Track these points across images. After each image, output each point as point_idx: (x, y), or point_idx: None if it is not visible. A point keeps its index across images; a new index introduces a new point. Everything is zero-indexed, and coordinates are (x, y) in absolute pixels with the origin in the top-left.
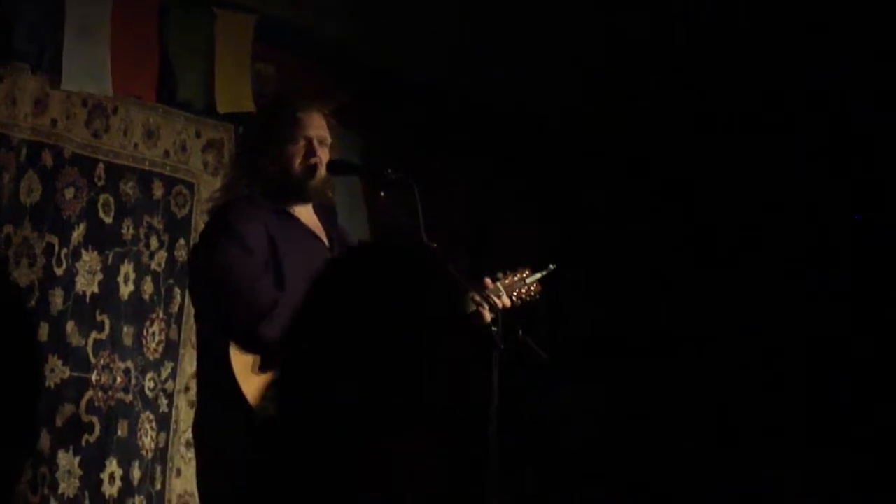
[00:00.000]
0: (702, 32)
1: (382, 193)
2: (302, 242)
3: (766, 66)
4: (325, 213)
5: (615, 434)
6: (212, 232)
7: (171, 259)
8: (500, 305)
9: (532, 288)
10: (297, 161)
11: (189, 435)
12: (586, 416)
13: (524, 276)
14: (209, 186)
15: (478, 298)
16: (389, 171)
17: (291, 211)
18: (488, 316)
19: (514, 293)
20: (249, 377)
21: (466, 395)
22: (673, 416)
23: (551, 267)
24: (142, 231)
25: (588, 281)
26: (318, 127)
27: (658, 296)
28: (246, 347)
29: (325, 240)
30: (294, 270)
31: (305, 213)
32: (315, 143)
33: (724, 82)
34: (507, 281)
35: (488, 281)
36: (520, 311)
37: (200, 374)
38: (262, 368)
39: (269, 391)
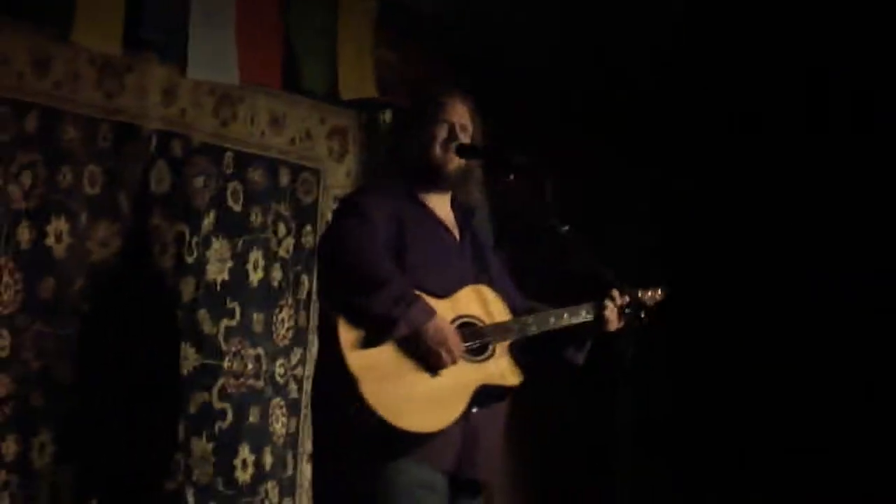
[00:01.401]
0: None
1: (511, 178)
2: (432, 231)
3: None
4: (462, 210)
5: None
6: (338, 212)
7: (298, 246)
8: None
9: (646, 315)
10: (437, 144)
11: None
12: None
13: (652, 292)
14: (334, 173)
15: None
16: (518, 155)
17: (426, 201)
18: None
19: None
20: (355, 351)
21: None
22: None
23: (663, 292)
24: (269, 218)
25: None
26: (460, 114)
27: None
28: (353, 320)
29: (456, 233)
30: (417, 256)
31: (441, 205)
32: (457, 128)
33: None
34: (639, 294)
35: (615, 293)
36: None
37: (318, 352)
38: (366, 345)
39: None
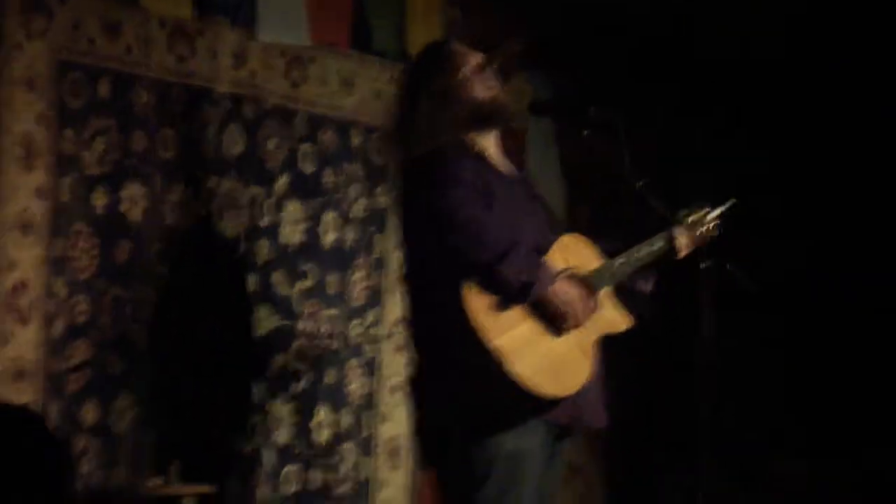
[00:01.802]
0: None
1: (585, 133)
2: (507, 187)
3: None
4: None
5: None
6: (432, 178)
7: (371, 206)
8: (695, 242)
9: (712, 226)
10: (478, 88)
11: (395, 381)
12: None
13: (705, 213)
14: None
15: (680, 237)
16: (593, 109)
17: (485, 154)
18: (684, 253)
19: (698, 232)
20: (488, 316)
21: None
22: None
23: (731, 202)
24: (341, 179)
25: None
26: (480, 61)
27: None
28: (489, 287)
29: (519, 183)
30: (505, 214)
31: (496, 155)
32: (486, 70)
33: None
34: (691, 218)
35: (683, 218)
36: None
37: (422, 320)
38: (497, 310)
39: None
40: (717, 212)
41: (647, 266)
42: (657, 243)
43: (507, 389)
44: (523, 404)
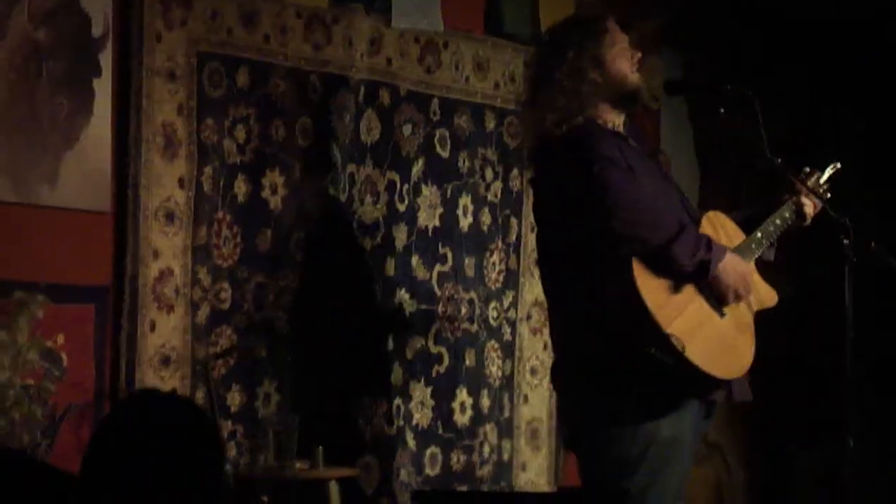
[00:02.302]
0: None
1: (722, 111)
2: (647, 165)
3: None
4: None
5: None
6: (581, 157)
7: (506, 189)
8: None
9: (824, 189)
10: (624, 65)
11: (533, 362)
12: None
13: (817, 177)
14: None
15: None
16: (729, 87)
17: (618, 131)
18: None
19: (817, 196)
20: (661, 298)
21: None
22: None
23: (836, 165)
24: (477, 163)
25: None
26: (629, 39)
27: None
28: (659, 268)
29: (654, 162)
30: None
31: (625, 131)
32: (632, 49)
33: None
34: (809, 183)
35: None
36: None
37: (573, 303)
38: (673, 289)
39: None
40: (826, 174)
41: (778, 238)
42: (786, 213)
43: (681, 374)
44: (691, 388)
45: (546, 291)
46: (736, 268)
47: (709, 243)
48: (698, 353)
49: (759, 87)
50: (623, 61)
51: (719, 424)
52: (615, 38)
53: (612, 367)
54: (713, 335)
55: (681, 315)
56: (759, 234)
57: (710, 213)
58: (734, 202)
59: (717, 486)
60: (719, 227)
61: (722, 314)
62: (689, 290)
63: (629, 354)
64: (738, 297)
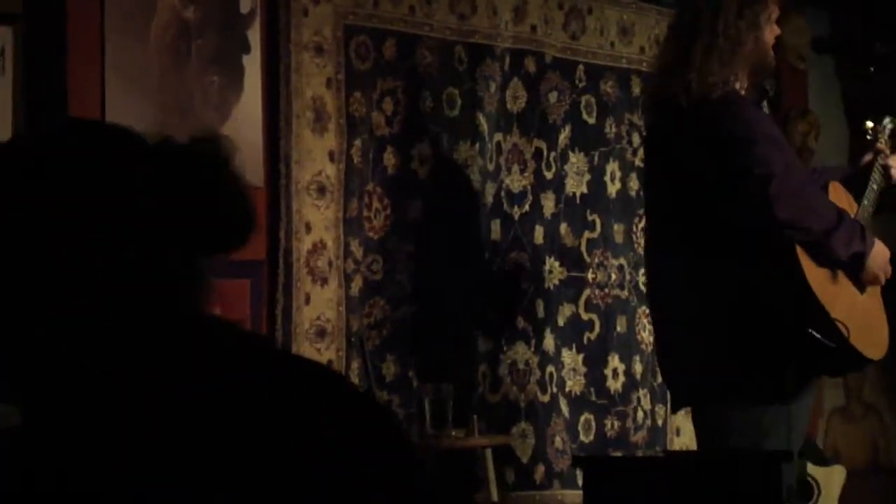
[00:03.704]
0: None
1: (871, 70)
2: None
3: None
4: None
5: None
6: (741, 133)
7: None
8: None
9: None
10: (770, 40)
11: None
12: None
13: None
14: None
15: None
16: (878, 44)
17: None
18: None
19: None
20: (823, 284)
21: None
22: None
23: (890, 118)
24: (623, 129)
25: None
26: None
27: None
28: (816, 255)
29: None
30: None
31: None
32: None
33: None
34: (881, 142)
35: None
36: None
37: (722, 282)
38: (831, 274)
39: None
40: (888, 127)
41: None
42: (876, 177)
43: (839, 356)
44: (843, 367)
45: (663, 264)
46: (881, 254)
47: (862, 232)
48: (857, 338)
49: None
50: (772, 35)
51: (874, 384)
52: (772, 8)
53: (767, 347)
54: (861, 316)
55: (838, 299)
56: (866, 203)
57: (832, 184)
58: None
59: (874, 446)
60: (841, 197)
61: (863, 291)
62: (840, 274)
63: (788, 335)
64: (879, 282)
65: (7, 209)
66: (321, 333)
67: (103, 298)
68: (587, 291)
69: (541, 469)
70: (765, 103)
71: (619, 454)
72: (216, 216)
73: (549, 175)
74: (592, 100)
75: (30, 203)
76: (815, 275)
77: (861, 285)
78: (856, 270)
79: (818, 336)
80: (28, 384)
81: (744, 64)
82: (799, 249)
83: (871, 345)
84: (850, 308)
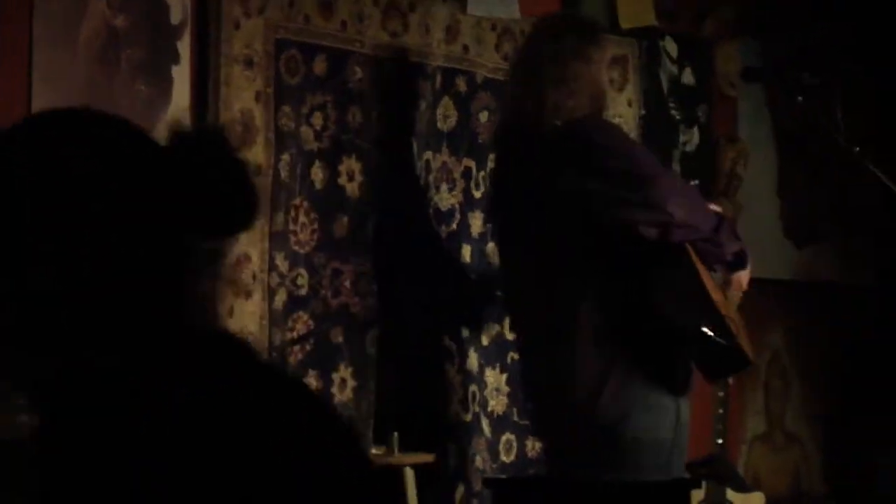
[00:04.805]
0: None
1: (799, 99)
2: None
3: None
4: None
5: None
6: (621, 147)
7: None
8: None
9: None
10: (606, 80)
11: None
12: None
13: None
14: (614, 103)
15: None
16: (806, 75)
17: None
18: None
19: None
20: (711, 283)
21: None
22: None
23: None
24: None
25: None
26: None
27: None
28: (706, 255)
29: None
30: None
31: None
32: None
33: None
34: None
35: None
36: None
37: (620, 293)
38: (711, 274)
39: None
40: None
41: None
42: None
43: (725, 356)
44: (726, 368)
45: (554, 290)
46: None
47: (736, 231)
48: (741, 338)
49: (838, 75)
50: (607, 75)
51: (796, 412)
52: (606, 50)
53: (665, 351)
54: (736, 318)
55: (718, 299)
56: None
57: None
58: (815, 192)
59: (796, 473)
60: None
61: (725, 297)
62: (714, 275)
63: (683, 337)
64: (744, 286)
65: (14, 200)
66: None
67: (114, 290)
68: None
69: (461, 489)
70: None
71: (529, 475)
72: (225, 198)
73: (477, 194)
74: None
75: (42, 193)
76: (704, 274)
77: (726, 289)
78: (737, 268)
79: (711, 333)
80: (39, 380)
81: (588, 99)
82: (691, 250)
83: (748, 347)
84: (727, 310)
